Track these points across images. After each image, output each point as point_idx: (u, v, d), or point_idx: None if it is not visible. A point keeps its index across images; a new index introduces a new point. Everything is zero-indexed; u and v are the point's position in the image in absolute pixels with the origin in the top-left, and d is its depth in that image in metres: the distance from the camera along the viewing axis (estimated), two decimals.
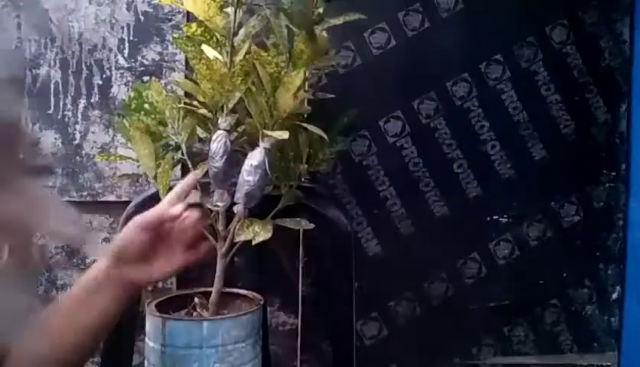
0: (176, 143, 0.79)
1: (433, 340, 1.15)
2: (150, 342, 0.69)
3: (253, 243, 0.72)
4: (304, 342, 1.14)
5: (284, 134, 0.69)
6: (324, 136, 0.75)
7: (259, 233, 0.73)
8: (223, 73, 0.68)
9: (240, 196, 0.73)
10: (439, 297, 1.15)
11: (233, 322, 0.72)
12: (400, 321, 1.15)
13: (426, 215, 1.12)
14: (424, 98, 1.11)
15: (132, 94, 0.76)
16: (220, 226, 0.77)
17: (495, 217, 1.14)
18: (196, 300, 0.79)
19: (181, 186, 0.57)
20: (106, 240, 1.07)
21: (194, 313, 0.78)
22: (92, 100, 1.08)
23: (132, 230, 0.53)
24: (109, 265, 0.54)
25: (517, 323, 1.17)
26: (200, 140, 0.85)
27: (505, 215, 1.14)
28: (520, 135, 1.12)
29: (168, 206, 0.55)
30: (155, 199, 0.84)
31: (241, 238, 0.72)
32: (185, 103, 0.74)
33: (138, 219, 0.54)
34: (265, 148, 0.73)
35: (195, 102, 0.74)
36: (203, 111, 0.74)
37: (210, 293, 0.82)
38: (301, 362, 1.14)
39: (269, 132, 0.71)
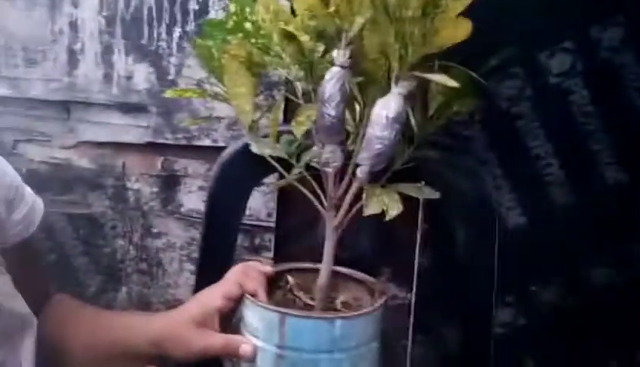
0: (286, 79, 0.62)
1: (584, 337, 0.92)
2: (256, 341, 0.55)
3: (387, 218, 0.54)
4: (417, 320, 0.97)
5: (447, 80, 0.49)
6: (483, 79, 0.53)
7: (390, 205, 0.55)
8: None
9: (367, 155, 0.55)
10: (600, 286, 0.90)
11: (368, 318, 0.57)
12: (543, 310, 0.92)
13: (594, 182, 0.85)
14: (608, 23, 0.80)
15: (233, 7, 0.58)
16: (331, 192, 0.60)
17: None
18: (290, 280, 0.64)
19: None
20: (201, 188, 0.97)
21: (291, 297, 0.63)
22: (187, 28, 0.93)
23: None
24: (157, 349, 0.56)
25: None
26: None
27: None
28: None
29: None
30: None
31: (370, 210, 0.55)
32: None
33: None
34: (400, 95, 0.53)
35: (291, 27, 0.55)
36: (304, 38, 0.55)
37: (305, 270, 0.67)
38: (412, 343, 0.98)
39: (419, 73, 0.51)
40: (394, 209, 0.57)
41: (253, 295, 0.57)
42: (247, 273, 0.59)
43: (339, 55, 0.55)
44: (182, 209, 0.98)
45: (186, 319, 0.56)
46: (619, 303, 0.89)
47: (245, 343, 0.55)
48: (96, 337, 0.58)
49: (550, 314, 0.92)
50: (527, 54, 0.83)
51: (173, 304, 1.01)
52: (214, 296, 0.58)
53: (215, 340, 0.55)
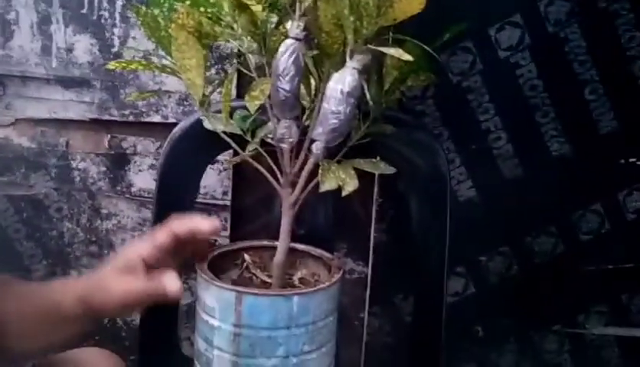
0: (239, 51, 0.59)
1: (530, 303, 0.97)
2: (213, 321, 0.54)
3: (343, 194, 0.54)
4: (374, 293, 0.98)
5: (402, 54, 0.48)
6: (436, 56, 0.53)
7: (346, 181, 0.54)
8: None
9: (322, 131, 0.54)
10: (544, 254, 0.94)
11: (325, 294, 0.56)
12: (492, 279, 0.96)
13: (540, 154, 0.89)
14: None
15: None
16: (287, 169, 0.59)
17: (632, 160, 0.89)
18: (247, 258, 0.63)
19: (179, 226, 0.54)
20: (153, 167, 0.93)
21: (247, 275, 0.62)
22: None
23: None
24: (83, 305, 0.53)
25: (639, 289, 0.95)
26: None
27: None
28: None
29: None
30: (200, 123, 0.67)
31: (326, 186, 0.54)
32: None
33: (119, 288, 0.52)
34: (355, 69, 0.52)
35: None
36: (257, 7, 0.53)
37: (262, 247, 0.66)
38: (369, 314, 1.00)
39: (374, 47, 0.50)
40: (350, 185, 0.56)
41: (190, 234, 0.54)
42: (182, 220, 0.55)
43: (293, 26, 0.54)
44: (133, 189, 0.94)
45: (109, 270, 0.53)
46: (562, 270, 0.94)
47: (169, 280, 0.51)
48: (28, 308, 0.54)
49: (498, 283, 0.96)
50: (478, 28, 0.84)
51: None
52: (140, 245, 0.54)
53: (136, 284, 0.52)
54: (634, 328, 0.96)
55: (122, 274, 0.52)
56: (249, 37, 0.56)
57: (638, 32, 0.83)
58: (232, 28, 0.55)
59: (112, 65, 0.56)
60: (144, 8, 0.55)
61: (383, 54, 0.58)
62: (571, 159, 0.88)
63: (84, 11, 0.89)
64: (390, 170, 0.64)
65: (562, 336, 0.97)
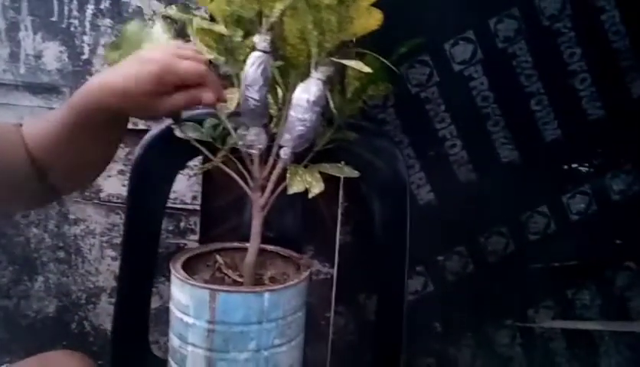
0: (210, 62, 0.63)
1: (484, 300, 1.03)
2: (187, 318, 0.57)
3: (310, 196, 0.58)
4: (339, 292, 1.03)
5: (362, 67, 0.53)
6: (396, 66, 0.58)
7: (313, 184, 0.58)
8: None
9: (289, 137, 0.58)
10: (496, 254, 1.00)
11: (294, 290, 0.60)
12: (449, 277, 1.02)
13: (491, 160, 0.95)
14: (504, 15, 0.89)
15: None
16: (256, 173, 0.62)
17: (574, 165, 0.96)
18: (219, 259, 0.66)
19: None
20: (122, 173, 0.95)
21: (219, 275, 0.65)
22: (101, 6, 0.90)
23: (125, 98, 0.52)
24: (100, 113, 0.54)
25: (583, 285, 1.02)
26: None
27: (587, 164, 0.96)
28: (619, 68, 0.91)
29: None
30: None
31: (293, 189, 0.58)
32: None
33: (134, 89, 0.51)
34: (320, 80, 0.56)
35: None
36: (219, 28, 0.57)
37: (233, 249, 0.69)
38: (335, 313, 1.04)
39: (336, 59, 0.55)
40: (317, 188, 0.60)
41: None
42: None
43: (260, 40, 0.58)
44: (101, 195, 0.95)
45: (138, 88, 0.52)
46: (513, 268, 1.01)
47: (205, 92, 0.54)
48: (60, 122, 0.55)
49: (455, 281, 1.01)
50: (434, 43, 0.90)
51: (94, 292, 0.98)
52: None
53: (170, 99, 0.53)
54: (579, 321, 1.04)
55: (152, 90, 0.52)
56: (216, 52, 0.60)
57: (579, 48, 0.91)
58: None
59: None
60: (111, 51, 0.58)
61: (345, 66, 0.63)
62: (519, 164, 0.95)
63: (54, 18, 0.90)
64: (354, 173, 0.68)
65: (514, 330, 1.03)
